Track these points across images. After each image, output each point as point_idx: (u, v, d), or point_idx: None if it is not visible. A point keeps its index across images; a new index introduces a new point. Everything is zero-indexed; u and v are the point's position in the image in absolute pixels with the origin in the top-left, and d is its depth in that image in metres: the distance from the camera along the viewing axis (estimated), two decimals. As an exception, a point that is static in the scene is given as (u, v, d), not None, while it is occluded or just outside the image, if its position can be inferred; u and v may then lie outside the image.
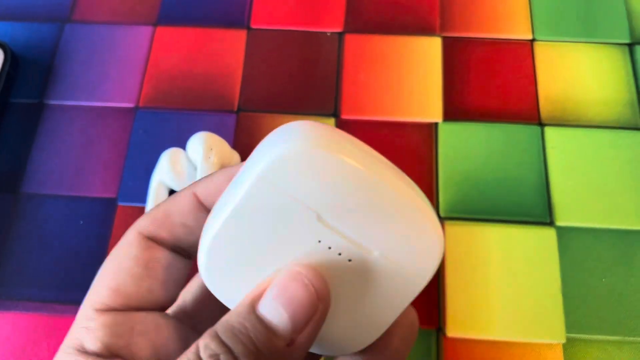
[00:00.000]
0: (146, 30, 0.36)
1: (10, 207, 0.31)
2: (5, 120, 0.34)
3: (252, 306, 0.16)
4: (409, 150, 0.32)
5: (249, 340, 0.15)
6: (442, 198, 0.31)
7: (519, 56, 0.35)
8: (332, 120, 0.33)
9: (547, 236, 0.30)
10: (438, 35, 0.36)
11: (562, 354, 0.28)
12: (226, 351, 0.15)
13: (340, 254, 0.18)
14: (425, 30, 0.36)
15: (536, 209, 0.31)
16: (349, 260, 0.18)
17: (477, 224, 0.30)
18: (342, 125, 0.33)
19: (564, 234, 0.30)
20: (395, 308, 0.18)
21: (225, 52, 0.35)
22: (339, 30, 0.36)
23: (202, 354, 0.15)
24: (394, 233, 0.18)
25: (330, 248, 0.18)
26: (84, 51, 0.36)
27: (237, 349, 0.15)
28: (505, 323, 0.28)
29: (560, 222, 0.30)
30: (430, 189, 0.31)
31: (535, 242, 0.30)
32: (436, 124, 0.33)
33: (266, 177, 0.17)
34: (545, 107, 0.33)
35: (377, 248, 0.18)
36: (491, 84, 0.34)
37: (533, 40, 0.35)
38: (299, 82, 0.34)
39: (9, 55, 0.34)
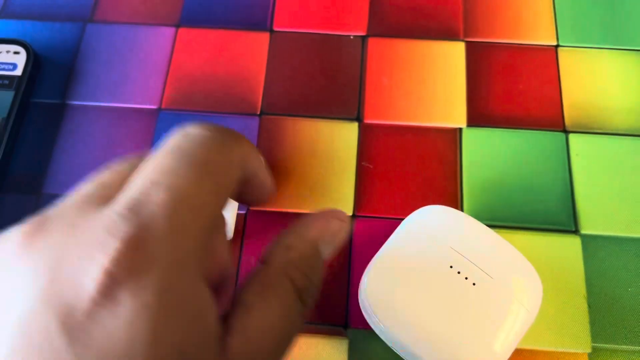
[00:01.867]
0: (168, 31, 0.36)
1: (33, 208, 0.31)
2: (27, 121, 0.34)
3: (316, 248, 0.21)
4: (433, 155, 0.32)
5: (318, 271, 0.20)
6: (467, 204, 0.31)
7: (543, 62, 0.35)
8: (355, 125, 0.33)
9: (571, 244, 0.30)
10: (461, 40, 0.35)
11: (587, 363, 0.28)
12: (310, 281, 0.19)
13: (467, 278, 0.25)
14: (448, 34, 0.36)
15: (561, 217, 0.31)
16: (473, 284, 0.25)
17: (502, 231, 0.30)
18: (365, 129, 0.33)
19: (589, 242, 0.30)
20: (511, 334, 0.24)
21: (247, 54, 0.35)
22: (362, 33, 0.36)
23: (297, 282, 0.19)
24: (506, 270, 0.26)
25: (459, 272, 0.25)
26: (105, 51, 0.36)
27: (315, 278, 0.20)
28: (530, 331, 0.28)
29: (585, 231, 0.30)
30: (454, 195, 0.31)
31: (560, 250, 0.30)
32: (460, 130, 0.33)
33: (412, 220, 0.27)
34: (570, 114, 0.33)
35: (495, 276, 0.25)
36: (515, 90, 0.34)
37: (557, 46, 0.35)
38: (322, 86, 0.34)
39: (31, 55, 0.34)
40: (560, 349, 0.28)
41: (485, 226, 0.27)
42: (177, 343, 0.15)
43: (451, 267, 0.26)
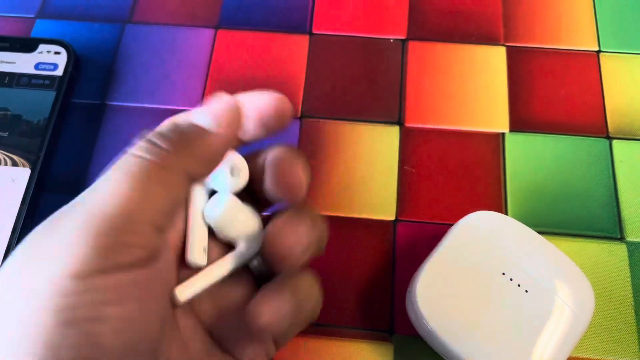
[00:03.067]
0: (207, 33, 0.36)
1: (74, 208, 0.31)
2: (68, 121, 0.34)
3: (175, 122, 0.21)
4: (476, 160, 0.32)
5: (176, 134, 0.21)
6: (511, 209, 0.31)
7: (585, 68, 0.34)
8: (396, 129, 0.33)
9: (617, 252, 0.30)
10: (502, 45, 0.35)
11: (636, 372, 0.27)
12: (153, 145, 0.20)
13: (519, 285, 0.25)
14: (489, 39, 0.35)
15: (605, 224, 0.30)
16: (526, 291, 0.25)
17: (546, 237, 0.30)
18: (406, 133, 0.33)
19: (635, 249, 0.30)
20: (564, 342, 0.24)
21: (287, 57, 0.35)
22: (402, 37, 0.36)
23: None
24: (559, 277, 0.25)
25: (511, 279, 0.25)
26: (144, 52, 0.36)
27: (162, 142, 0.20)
28: (577, 339, 0.28)
29: (630, 238, 0.30)
30: (499, 200, 0.31)
31: (606, 258, 0.30)
32: (503, 134, 0.33)
33: (462, 226, 0.27)
34: (613, 120, 0.33)
35: (547, 283, 0.25)
36: (557, 96, 0.34)
37: (599, 51, 0.35)
38: (362, 89, 0.34)
39: (72, 55, 0.34)
40: (607, 357, 0.28)
41: (536, 233, 0.27)
42: None
43: (503, 274, 0.25)
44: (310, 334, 0.28)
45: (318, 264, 0.29)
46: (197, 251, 0.23)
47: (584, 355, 0.28)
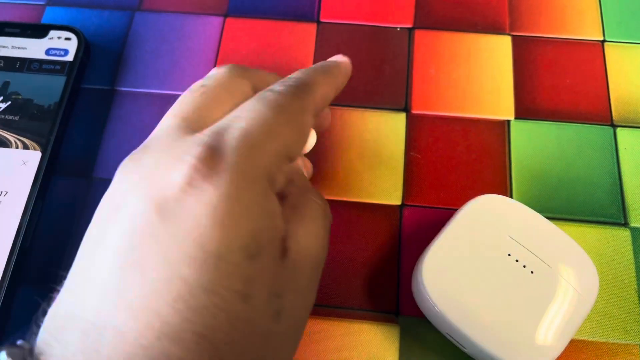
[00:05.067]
0: (216, 21, 0.36)
1: (84, 191, 0.32)
2: (77, 106, 0.34)
3: None
4: (481, 146, 0.32)
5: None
6: (516, 195, 0.31)
7: (590, 57, 0.35)
8: (403, 115, 0.33)
9: (621, 237, 0.30)
10: (507, 34, 0.36)
11: (639, 354, 0.28)
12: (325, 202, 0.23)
13: (524, 266, 0.26)
14: (494, 28, 0.36)
15: (610, 210, 0.31)
16: (532, 272, 0.25)
17: (551, 222, 0.30)
18: (413, 120, 0.33)
19: (638, 235, 0.30)
20: (569, 323, 0.25)
21: (295, 45, 0.35)
22: (408, 25, 0.36)
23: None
24: (564, 260, 0.26)
25: (517, 260, 0.26)
26: (153, 40, 0.36)
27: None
28: (581, 322, 0.28)
29: (634, 223, 0.30)
30: (504, 186, 0.31)
31: (610, 243, 0.30)
32: (508, 122, 0.33)
33: (469, 208, 0.27)
34: (617, 109, 0.33)
35: (553, 265, 0.26)
36: (562, 84, 0.34)
37: (603, 41, 0.35)
38: (369, 77, 0.34)
39: (82, 41, 0.34)
40: (611, 340, 0.28)
41: (541, 215, 0.27)
42: (251, 230, 0.18)
43: (509, 255, 0.26)
44: (317, 315, 0.28)
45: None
46: None
47: (588, 338, 0.28)
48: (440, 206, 0.31)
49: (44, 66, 0.34)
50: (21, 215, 0.30)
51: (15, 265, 0.29)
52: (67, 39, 0.35)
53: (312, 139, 0.27)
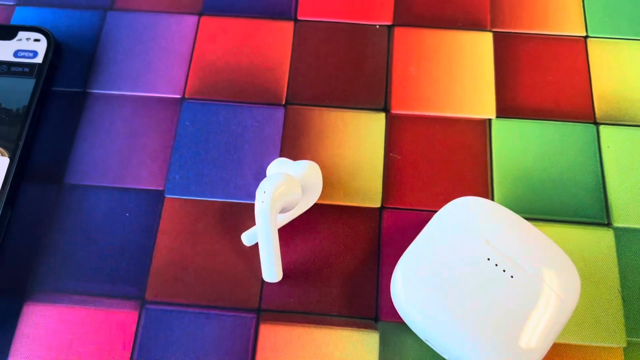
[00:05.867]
0: (190, 20, 0.35)
1: (54, 198, 0.31)
2: (48, 109, 0.33)
3: None
4: (462, 146, 0.32)
5: None
6: (497, 196, 0.30)
7: (572, 53, 0.34)
8: (382, 115, 0.33)
9: (604, 237, 0.30)
10: (489, 31, 0.35)
11: (623, 357, 0.27)
12: None
13: (504, 271, 0.25)
14: (475, 25, 0.35)
15: (593, 210, 0.30)
16: (511, 277, 0.25)
17: (533, 223, 0.30)
18: (392, 120, 0.32)
19: (622, 235, 0.30)
20: (550, 328, 0.24)
21: (271, 43, 0.35)
22: (388, 23, 0.35)
23: None
24: (545, 263, 0.25)
25: (496, 265, 0.25)
26: (126, 40, 0.35)
27: None
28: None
29: (617, 223, 0.30)
30: (485, 187, 0.31)
31: (593, 243, 0.29)
32: (489, 121, 0.32)
33: (447, 211, 0.27)
34: (600, 106, 0.33)
35: (533, 269, 0.25)
36: (544, 81, 0.33)
37: (586, 37, 0.35)
38: (348, 76, 0.34)
39: (52, 42, 0.33)
40: (594, 344, 0.27)
41: (521, 218, 0.27)
42: None
43: (488, 259, 0.25)
44: (296, 322, 0.28)
45: (303, 252, 0.29)
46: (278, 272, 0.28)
47: (572, 342, 0.27)
48: (420, 208, 0.30)
49: (12, 68, 0.33)
50: (-11, 224, 0.29)
51: (-17, 276, 0.28)
52: (36, 40, 0.34)
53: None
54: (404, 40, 0.35)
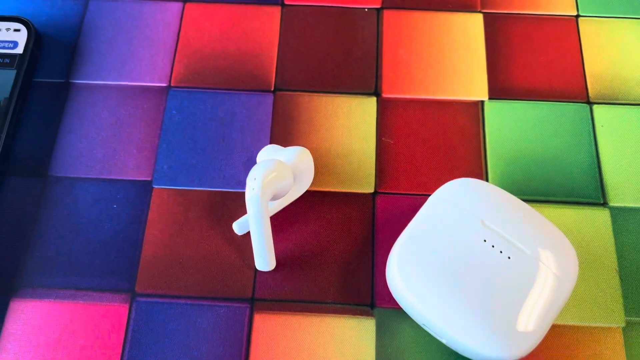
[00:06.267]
0: (175, 7, 0.35)
1: (39, 191, 0.30)
2: (30, 101, 0.32)
3: None
4: (455, 129, 0.31)
5: None
6: (492, 178, 0.30)
7: (564, 33, 0.34)
8: (373, 99, 0.32)
9: (600, 217, 0.29)
10: (479, 12, 0.34)
11: (622, 337, 0.27)
12: None
13: (501, 252, 0.24)
14: (465, 6, 0.34)
15: (588, 190, 0.30)
16: (509, 258, 0.24)
17: (529, 205, 0.29)
18: (384, 104, 0.32)
19: (618, 214, 0.29)
20: (548, 309, 0.24)
21: (259, 29, 0.34)
22: (376, 5, 0.35)
23: None
24: (542, 243, 0.25)
25: (493, 246, 0.24)
26: (109, 29, 0.34)
27: None
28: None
29: (613, 203, 0.30)
30: (479, 169, 0.30)
31: (589, 224, 0.29)
32: (482, 102, 0.32)
33: (442, 193, 0.26)
34: (593, 85, 0.32)
35: (530, 249, 0.24)
36: (536, 62, 0.33)
37: (577, 16, 0.34)
38: (337, 60, 0.33)
39: (33, 32, 0.33)
40: (593, 324, 0.27)
41: (516, 198, 0.26)
42: None
43: (485, 241, 0.25)
44: (291, 310, 0.27)
45: (296, 239, 0.28)
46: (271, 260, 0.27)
47: (570, 323, 0.27)
48: (414, 192, 0.30)
49: (-8, 60, 0.32)
50: (-28, 219, 0.28)
51: (-33, 273, 0.27)
52: (16, 30, 0.33)
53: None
54: (393, 23, 0.34)
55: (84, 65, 0.33)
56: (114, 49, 0.34)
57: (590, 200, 0.30)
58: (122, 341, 0.27)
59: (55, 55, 0.33)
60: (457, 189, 0.26)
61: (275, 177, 0.26)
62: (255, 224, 0.26)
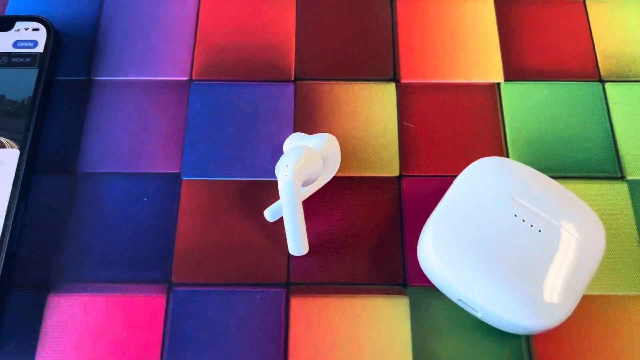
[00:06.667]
0: (190, 1, 0.35)
1: (68, 188, 0.30)
2: (53, 99, 0.32)
3: None
4: (474, 111, 0.32)
5: None
6: (513, 157, 0.31)
7: (572, 14, 0.35)
8: (392, 86, 0.33)
9: (619, 190, 0.30)
10: (490, -3, 0.35)
11: (646, 305, 0.28)
12: None
13: (532, 226, 0.25)
14: (476, -9, 0.35)
15: (605, 164, 0.31)
16: (539, 231, 0.25)
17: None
18: (403, 90, 0.33)
19: (636, 187, 0.30)
20: (580, 278, 0.25)
21: (275, 20, 0.34)
22: (390, -6, 0.35)
23: None
24: (570, 215, 0.26)
25: (524, 220, 0.25)
26: (127, 25, 0.34)
27: None
28: (587, 278, 0.28)
29: (631, 176, 0.31)
30: (500, 149, 0.31)
31: (608, 197, 0.30)
32: (498, 84, 0.33)
33: (470, 172, 0.27)
34: (604, 64, 0.33)
35: (559, 222, 0.25)
36: (547, 43, 0.34)
37: (585, -3, 0.35)
38: (354, 48, 0.34)
39: (52, 30, 0.33)
40: (619, 293, 0.28)
41: (541, 173, 0.27)
42: None
43: (515, 215, 0.25)
44: (325, 293, 0.28)
45: (327, 224, 0.29)
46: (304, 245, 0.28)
47: (595, 293, 0.28)
48: (438, 174, 0.30)
49: (13, 59, 0.32)
50: (4, 219, 0.28)
51: (3, 272, 0.27)
52: (35, 29, 0.33)
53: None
54: (406, 10, 0.35)
55: (104, 62, 0.33)
56: (133, 44, 0.34)
57: (608, 175, 0.31)
58: (161, 331, 0.27)
59: (74, 54, 0.34)
60: (484, 167, 0.27)
61: (307, 163, 0.27)
62: (288, 210, 0.27)
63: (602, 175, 0.31)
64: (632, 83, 0.33)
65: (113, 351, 0.27)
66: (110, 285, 0.28)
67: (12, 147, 0.30)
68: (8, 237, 0.28)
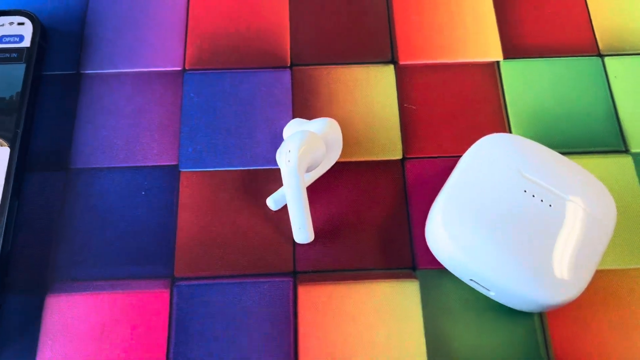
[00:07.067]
0: (180, -10, 0.34)
1: (62, 185, 0.29)
2: (42, 95, 0.31)
3: None
4: (475, 90, 0.31)
5: None
6: (516, 134, 0.30)
7: (568, -10, 0.34)
8: (391, 67, 0.32)
9: (624, 164, 0.30)
10: (484, -25, 0.35)
11: (658, 277, 0.27)
12: None
13: (542, 201, 0.25)
14: (470, -30, 0.35)
15: (609, 138, 0.30)
16: (550, 206, 0.25)
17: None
18: (402, 71, 0.32)
19: (640, 160, 0.30)
20: (593, 252, 0.24)
21: (268, 4, 0.34)
22: (383, -25, 0.35)
23: None
24: (580, 188, 0.25)
25: (534, 196, 0.25)
26: (114, 16, 0.33)
27: None
28: (597, 252, 0.28)
29: (635, 149, 0.30)
30: (502, 127, 0.30)
31: (614, 171, 0.30)
32: (498, 63, 0.32)
33: (476, 150, 0.26)
34: (602, 38, 0.33)
35: (569, 195, 0.25)
36: (545, 18, 0.33)
37: (580, -28, 0.35)
38: (351, 30, 0.33)
39: (38, 25, 0.32)
40: (631, 266, 0.28)
41: (548, 148, 0.27)
42: None
43: (525, 191, 0.25)
44: (335, 280, 0.27)
45: (332, 210, 0.28)
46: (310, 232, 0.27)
47: (608, 267, 0.28)
48: (442, 155, 0.30)
49: (-1, 55, 0.31)
50: (-3, 218, 0.27)
51: (-1, 272, 0.27)
52: (21, 23, 0.32)
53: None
54: (401, -8, 0.34)
55: (94, 55, 0.32)
56: (122, 36, 0.33)
57: (613, 149, 0.30)
58: (166, 327, 0.26)
59: (62, 48, 0.33)
60: (491, 144, 0.26)
61: (310, 147, 0.26)
62: (293, 197, 0.26)
63: (606, 149, 0.30)
64: (631, 56, 0.32)
65: (118, 349, 0.26)
66: (111, 282, 0.27)
67: (1, 145, 0.29)
68: (2, 237, 0.27)
